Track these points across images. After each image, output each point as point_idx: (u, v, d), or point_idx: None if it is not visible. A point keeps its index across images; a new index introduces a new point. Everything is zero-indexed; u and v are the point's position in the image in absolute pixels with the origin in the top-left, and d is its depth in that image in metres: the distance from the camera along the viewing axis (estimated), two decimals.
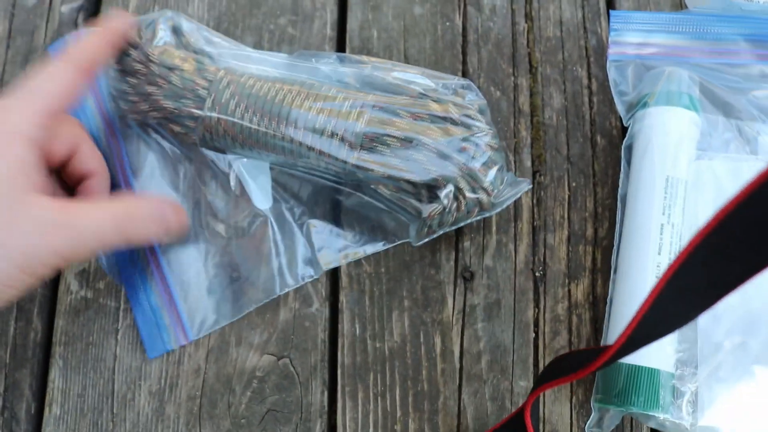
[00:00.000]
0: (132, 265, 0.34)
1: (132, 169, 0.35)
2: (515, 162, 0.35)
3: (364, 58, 0.34)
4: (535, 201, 0.35)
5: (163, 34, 0.33)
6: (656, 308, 0.21)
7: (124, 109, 0.34)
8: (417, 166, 0.30)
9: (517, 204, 0.35)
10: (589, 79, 0.36)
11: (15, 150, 0.27)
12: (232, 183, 0.34)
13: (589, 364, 0.24)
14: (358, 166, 0.31)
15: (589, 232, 0.34)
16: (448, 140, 0.30)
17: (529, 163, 0.35)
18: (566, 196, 0.35)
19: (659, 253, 0.31)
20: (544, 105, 0.36)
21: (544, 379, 0.26)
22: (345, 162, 0.31)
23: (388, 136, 0.31)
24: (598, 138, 0.36)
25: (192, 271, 0.34)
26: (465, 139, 0.31)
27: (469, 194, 0.30)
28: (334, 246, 0.34)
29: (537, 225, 0.34)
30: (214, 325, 0.33)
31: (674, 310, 0.21)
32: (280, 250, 0.34)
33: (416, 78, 0.32)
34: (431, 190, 0.31)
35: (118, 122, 0.35)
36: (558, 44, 0.37)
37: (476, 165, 0.30)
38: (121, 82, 0.33)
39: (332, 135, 0.31)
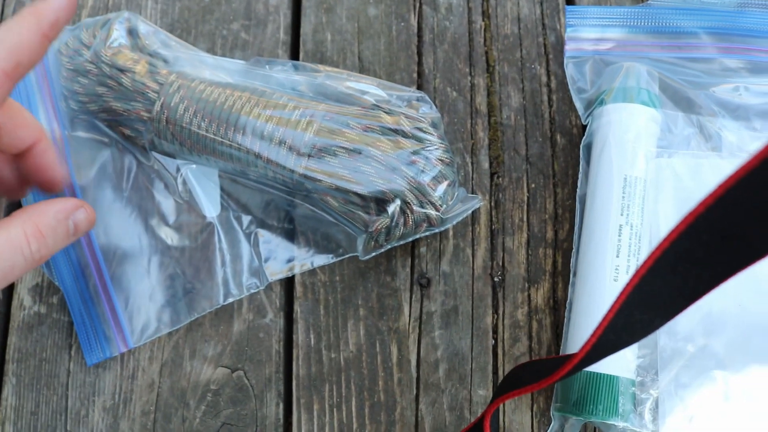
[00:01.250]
0: (71, 268, 0.33)
1: (75, 168, 0.34)
2: (472, 164, 0.34)
3: (319, 66, 0.33)
4: (493, 203, 0.34)
5: (118, 35, 0.33)
6: (621, 316, 0.20)
7: (75, 109, 0.33)
8: (364, 178, 0.30)
9: None
10: (548, 76, 0.35)
11: None
12: (180, 189, 0.33)
13: (550, 374, 0.23)
14: (305, 176, 0.30)
15: (549, 234, 0.33)
16: (398, 153, 0.30)
17: (486, 165, 0.34)
18: (525, 198, 0.34)
19: (617, 256, 0.30)
20: (502, 104, 0.35)
21: (503, 389, 0.26)
22: (292, 171, 0.30)
23: (337, 146, 0.30)
24: (558, 137, 0.35)
25: (135, 277, 0.33)
26: (415, 153, 0.30)
27: (416, 208, 0.30)
28: (282, 257, 0.33)
29: (495, 228, 0.34)
30: (156, 332, 0.33)
31: (640, 318, 0.20)
32: (226, 259, 0.33)
33: (369, 88, 0.32)
34: (380, 203, 0.30)
35: (67, 119, 0.34)
36: (516, 42, 0.36)
37: (425, 179, 0.30)
38: (72, 82, 0.33)
39: (280, 143, 0.30)
